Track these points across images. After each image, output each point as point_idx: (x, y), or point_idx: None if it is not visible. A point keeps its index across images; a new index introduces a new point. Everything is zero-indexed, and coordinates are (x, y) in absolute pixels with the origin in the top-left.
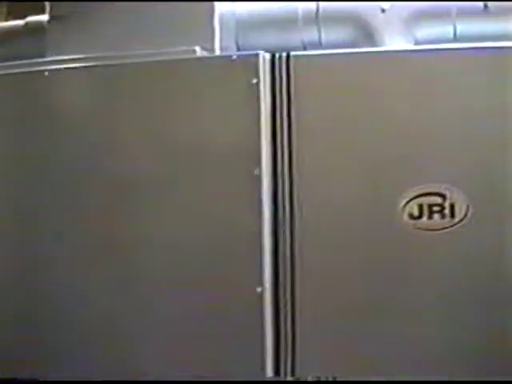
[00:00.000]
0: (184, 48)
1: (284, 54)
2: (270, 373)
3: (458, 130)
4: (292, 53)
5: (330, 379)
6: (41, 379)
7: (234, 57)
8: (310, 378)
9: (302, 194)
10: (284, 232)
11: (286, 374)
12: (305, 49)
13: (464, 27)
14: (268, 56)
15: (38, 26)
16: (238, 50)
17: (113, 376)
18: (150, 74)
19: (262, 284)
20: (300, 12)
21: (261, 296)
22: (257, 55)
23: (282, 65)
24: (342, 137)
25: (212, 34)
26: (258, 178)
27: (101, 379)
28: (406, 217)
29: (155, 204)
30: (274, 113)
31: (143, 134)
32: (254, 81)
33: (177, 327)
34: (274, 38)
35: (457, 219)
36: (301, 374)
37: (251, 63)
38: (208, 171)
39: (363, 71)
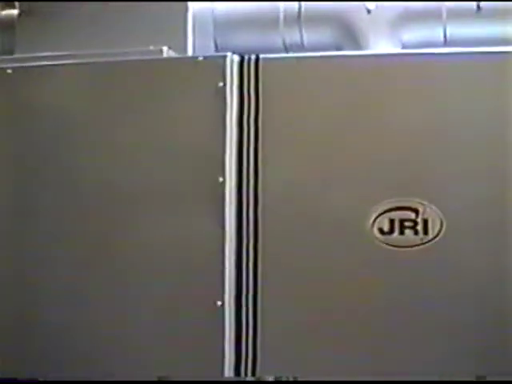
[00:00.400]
0: (151, 48)
1: (253, 57)
2: (229, 373)
3: (432, 140)
4: (261, 55)
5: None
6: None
7: (201, 58)
8: (270, 379)
9: (268, 203)
10: (248, 244)
11: (246, 374)
12: (286, 50)
13: (455, 30)
14: (237, 58)
15: (9, 21)
16: (217, 50)
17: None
18: (114, 74)
19: (223, 297)
20: (281, 12)
21: (222, 307)
22: (224, 57)
23: (250, 68)
24: (311, 144)
25: (184, 34)
26: (222, 186)
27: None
28: (376, 231)
29: (115, 208)
30: (241, 118)
31: (103, 134)
32: (221, 84)
33: (143, 330)
34: (254, 39)
35: (430, 236)
36: (261, 374)
37: (218, 65)
38: (170, 177)
39: (336, 76)
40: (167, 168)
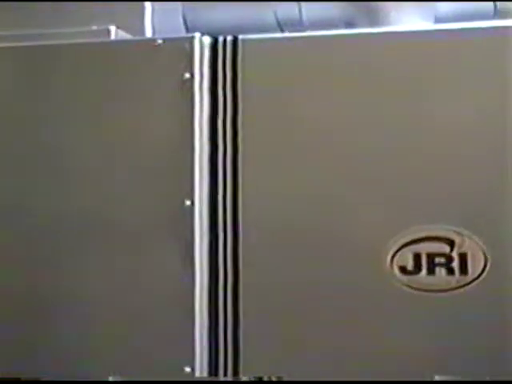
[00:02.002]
0: (94, 28)
1: (229, 38)
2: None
3: (473, 144)
4: (241, 36)
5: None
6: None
7: (160, 41)
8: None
9: (251, 232)
10: (225, 289)
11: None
12: (281, 28)
13: None
14: (208, 40)
15: None
16: (187, 31)
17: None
18: (47, 61)
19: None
20: None
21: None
22: (191, 39)
23: (226, 53)
24: (307, 152)
25: (140, 9)
26: (190, 212)
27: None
28: (396, 270)
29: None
30: (215, 120)
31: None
32: (187, 75)
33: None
34: (237, 15)
35: (470, 276)
36: (244, 374)
37: (183, 50)
38: (120, 201)
39: (341, 61)
40: (116, 189)
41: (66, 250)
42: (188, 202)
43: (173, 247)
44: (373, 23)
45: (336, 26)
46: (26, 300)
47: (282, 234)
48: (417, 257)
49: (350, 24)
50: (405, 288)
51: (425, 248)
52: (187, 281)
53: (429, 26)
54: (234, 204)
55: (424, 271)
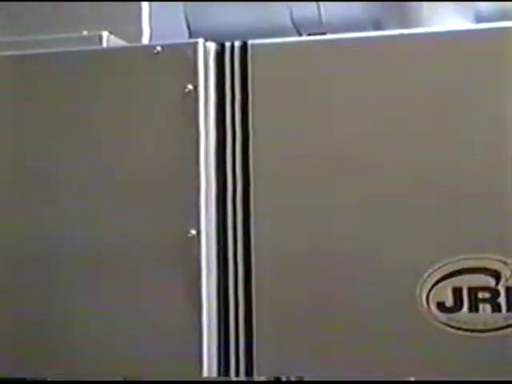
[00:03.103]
0: (84, 33)
1: (237, 44)
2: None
3: None
4: (250, 41)
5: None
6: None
7: (159, 48)
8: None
9: (264, 265)
10: (237, 333)
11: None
12: (297, 30)
13: None
14: (213, 47)
15: None
16: (190, 36)
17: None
18: (35, 71)
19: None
20: None
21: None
22: (194, 45)
23: (234, 61)
24: (326, 168)
25: (138, 13)
26: (196, 242)
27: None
28: (433, 307)
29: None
30: (222, 138)
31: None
32: (190, 87)
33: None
34: (247, 18)
35: None
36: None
37: (185, 59)
38: (116, 231)
39: (365, 68)
40: (114, 217)
41: (63, 284)
42: (193, 232)
43: (177, 282)
44: (403, 24)
45: (361, 28)
46: (22, 334)
47: (300, 266)
48: (457, 291)
49: (376, 25)
50: (444, 327)
51: (466, 281)
52: (194, 320)
53: (467, 25)
54: (245, 233)
55: (466, 308)
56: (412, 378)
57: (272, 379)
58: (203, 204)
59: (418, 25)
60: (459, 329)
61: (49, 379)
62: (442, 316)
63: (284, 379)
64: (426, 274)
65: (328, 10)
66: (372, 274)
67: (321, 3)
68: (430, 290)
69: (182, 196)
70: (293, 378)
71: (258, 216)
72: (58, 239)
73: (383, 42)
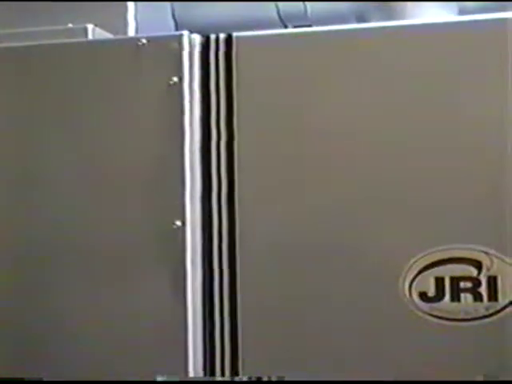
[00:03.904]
0: (70, 25)
1: (222, 36)
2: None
3: (496, 156)
4: (235, 34)
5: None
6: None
7: (144, 40)
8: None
9: (250, 257)
10: (221, 320)
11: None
12: (283, 23)
13: None
14: (198, 39)
15: None
16: (177, 28)
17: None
18: (17, 64)
19: None
20: None
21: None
22: (179, 38)
23: (219, 53)
24: (310, 161)
25: (124, 5)
26: (181, 233)
27: None
28: (415, 297)
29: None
30: (208, 130)
31: None
32: (175, 79)
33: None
34: (231, 9)
35: (501, 303)
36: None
37: (170, 51)
38: (101, 223)
39: (351, 61)
40: (98, 209)
41: (49, 276)
42: (178, 223)
43: (162, 273)
44: (387, 17)
45: (346, 21)
46: (9, 328)
47: (285, 255)
48: (439, 281)
49: (361, 18)
50: (426, 317)
51: (448, 271)
52: (179, 310)
53: (451, 18)
54: (230, 223)
55: (447, 297)
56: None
57: (254, 379)
58: (188, 195)
59: (402, 18)
60: (441, 318)
61: (45, 379)
62: (425, 305)
63: (266, 379)
64: (409, 264)
65: (313, 4)
66: (355, 264)
67: None
68: (413, 280)
69: (167, 187)
70: (274, 378)
71: (243, 207)
72: (46, 233)
73: (369, 34)
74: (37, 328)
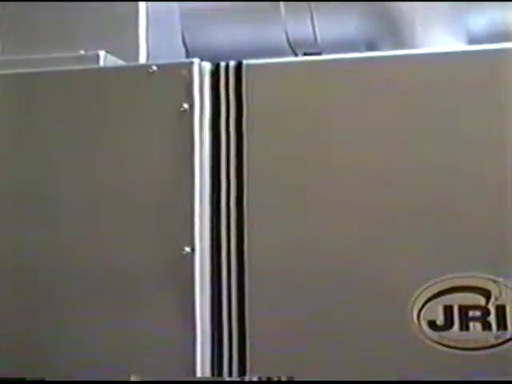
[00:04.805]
0: (82, 52)
1: (232, 64)
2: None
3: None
4: (245, 61)
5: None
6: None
7: (154, 67)
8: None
9: (259, 283)
10: (230, 346)
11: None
12: (292, 49)
13: None
14: (208, 66)
15: None
16: (187, 54)
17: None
18: (30, 90)
19: None
20: None
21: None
22: (190, 65)
23: (229, 80)
24: (320, 189)
25: (135, 31)
26: (190, 259)
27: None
28: (424, 325)
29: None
30: (216, 157)
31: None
32: (185, 106)
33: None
34: (241, 34)
35: (511, 332)
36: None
37: (181, 78)
38: (109, 250)
39: (361, 89)
40: (108, 235)
41: (60, 300)
42: (188, 249)
43: (171, 299)
44: (397, 44)
45: (356, 49)
46: (24, 351)
47: (294, 280)
48: (448, 310)
49: (371, 45)
50: (435, 345)
51: (456, 300)
52: (188, 336)
53: (461, 46)
54: (239, 250)
55: (456, 326)
56: None
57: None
58: (197, 221)
59: (411, 45)
60: (450, 347)
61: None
62: (434, 334)
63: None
64: (418, 292)
65: (323, 30)
66: (364, 289)
67: (316, 23)
68: (422, 308)
69: (176, 214)
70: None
71: (252, 233)
72: (57, 258)
73: (379, 62)
74: (49, 355)
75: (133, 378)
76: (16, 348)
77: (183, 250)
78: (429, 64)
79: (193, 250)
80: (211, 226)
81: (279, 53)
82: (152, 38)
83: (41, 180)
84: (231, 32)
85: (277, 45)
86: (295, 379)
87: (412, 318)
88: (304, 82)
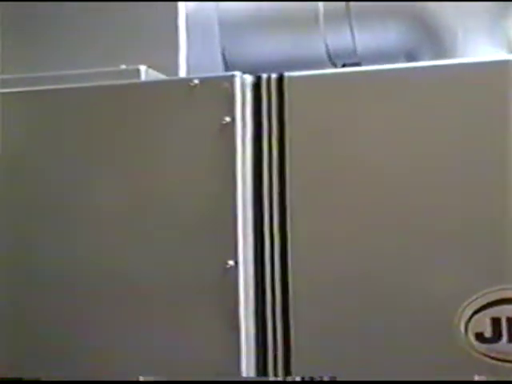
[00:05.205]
0: (123, 67)
1: (274, 76)
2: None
3: None
4: (287, 74)
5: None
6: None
7: (196, 81)
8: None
9: (301, 293)
10: (275, 361)
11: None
12: (331, 59)
13: None
14: (250, 79)
15: None
16: (226, 67)
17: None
18: (67, 106)
19: None
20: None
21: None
22: (231, 78)
23: (271, 93)
24: (363, 200)
25: (175, 44)
26: (234, 272)
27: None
28: (471, 338)
29: None
30: (259, 170)
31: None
32: (227, 119)
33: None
34: (281, 46)
35: None
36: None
37: (222, 91)
38: (151, 263)
39: (405, 101)
40: (151, 250)
41: (101, 315)
42: (231, 263)
43: (215, 313)
44: (437, 54)
45: (395, 59)
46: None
47: (337, 293)
48: (495, 322)
49: (410, 56)
50: (483, 358)
51: (505, 311)
52: (232, 351)
53: (502, 55)
54: (283, 263)
55: (505, 339)
56: None
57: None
58: (241, 235)
59: (452, 55)
60: (499, 360)
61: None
62: (481, 346)
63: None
64: (465, 304)
65: (362, 40)
66: (411, 301)
67: (355, 34)
68: (469, 320)
69: (219, 227)
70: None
71: (295, 245)
72: (100, 267)
73: (419, 72)
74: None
75: (141, 379)
76: (56, 350)
77: (227, 263)
78: (470, 74)
79: (236, 263)
80: (254, 238)
81: (316, 64)
82: (191, 52)
83: (81, 194)
84: (269, 44)
85: (315, 56)
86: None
87: (459, 329)
88: (345, 93)
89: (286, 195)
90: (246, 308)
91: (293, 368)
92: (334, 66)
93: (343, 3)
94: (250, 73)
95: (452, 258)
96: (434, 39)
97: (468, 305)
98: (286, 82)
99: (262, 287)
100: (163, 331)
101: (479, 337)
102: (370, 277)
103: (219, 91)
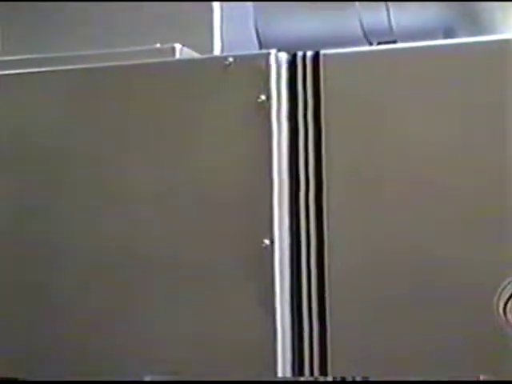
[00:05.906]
0: (158, 45)
1: (309, 54)
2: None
3: None
4: (323, 51)
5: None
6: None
7: (230, 59)
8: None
9: (339, 276)
10: (311, 339)
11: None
12: (366, 38)
13: None
14: (285, 57)
15: None
16: (260, 45)
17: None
18: (106, 84)
19: None
20: None
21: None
22: (266, 56)
23: (306, 71)
24: (401, 179)
25: (210, 23)
26: (270, 251)
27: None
28: (510, 317)
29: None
30: (295, 148)
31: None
32: (263, 97)
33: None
34: (315, 24)
35: None
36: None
37: (257, 69)
38: (190, 241)
39: (442, 78)
40: (187, 228)
41: (135, 291)
42: (267, 241)
43: (251, 291)
44: (476, 31)
45: (433, 36)
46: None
47: (374, 273)
48: None
49: (448, 33)
50: None
51: None
52: (268, 329)
53: None
54: (318, 242)
55: None
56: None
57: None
58: (277, 214)
59: (490, 32)
60: None
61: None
62: None
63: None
64: (504, 284)
65: (398, 18)
66: (448, 285)
67: (391, 11)
68: (508, 300)
69: (255, 206)
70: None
71: (331, 224)
72: (137, 250)
73: (457, 49)
74: (122, 349)
75: (146, 379)
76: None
77: (263, 242)
78: (509, 50)
79: (272, 242)
80: (290, 218)
81: (352, 42)
82: (226, 30)
83: (115, 173)
84: (305, 22)
85: (350, 34)
86: (372, 379)
87: (498, 310)
88: (381, 70)
89: (322, 173)
90: (282, 287)
91: (329, 356)
92: (370, 44)
93: None
94: (285, 51)
95: (491, 239)
96: (471, 17)
97: (507, 285)
98: (321, 59)
99: (298, 266)
100: (197, 312)
101: None
102: (407, 262)
103: (254, 69)
